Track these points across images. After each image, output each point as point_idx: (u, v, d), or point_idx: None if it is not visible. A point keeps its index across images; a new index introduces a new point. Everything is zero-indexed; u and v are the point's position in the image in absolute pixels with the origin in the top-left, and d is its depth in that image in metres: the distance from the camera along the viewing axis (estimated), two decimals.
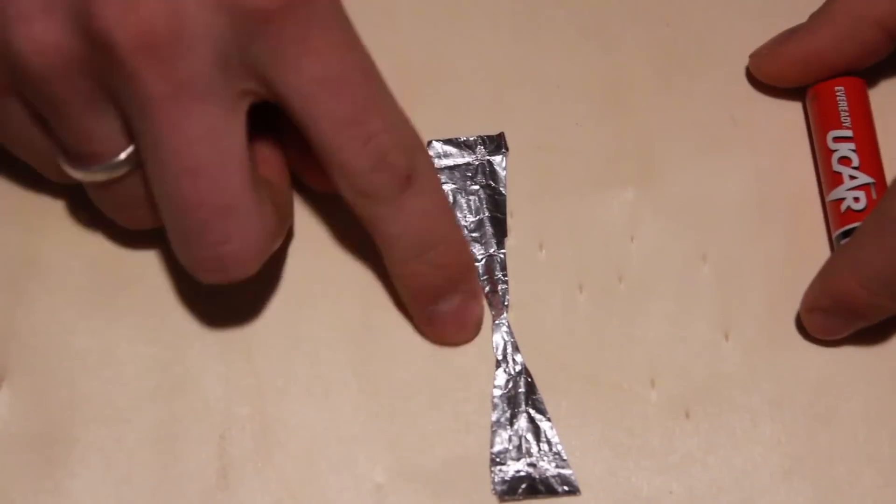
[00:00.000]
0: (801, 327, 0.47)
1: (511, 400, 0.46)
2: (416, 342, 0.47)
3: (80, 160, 0.43)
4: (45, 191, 0.49)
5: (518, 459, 0.45)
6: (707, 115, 0.51)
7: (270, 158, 0.46)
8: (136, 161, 0.43)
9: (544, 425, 0.45)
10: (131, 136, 0.42)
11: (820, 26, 0.49)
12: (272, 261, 0.47)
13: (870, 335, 0.47)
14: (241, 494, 0.44)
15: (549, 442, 0.45)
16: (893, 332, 0.47)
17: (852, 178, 0.48)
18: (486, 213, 0.49)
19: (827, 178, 0.49)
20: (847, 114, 0.49)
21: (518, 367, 0.46)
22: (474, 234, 0.48)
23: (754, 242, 0.48)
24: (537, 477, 0.45)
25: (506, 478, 0.45)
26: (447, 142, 0.50)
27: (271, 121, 0.45)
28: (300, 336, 0.47)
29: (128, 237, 0.48)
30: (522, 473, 0.45)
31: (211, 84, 0.41)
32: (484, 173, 0.50)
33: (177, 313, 0.47)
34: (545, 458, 0.45)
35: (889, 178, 0.48)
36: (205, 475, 0.44)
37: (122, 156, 0.43)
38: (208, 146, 0.41)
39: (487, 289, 0.48)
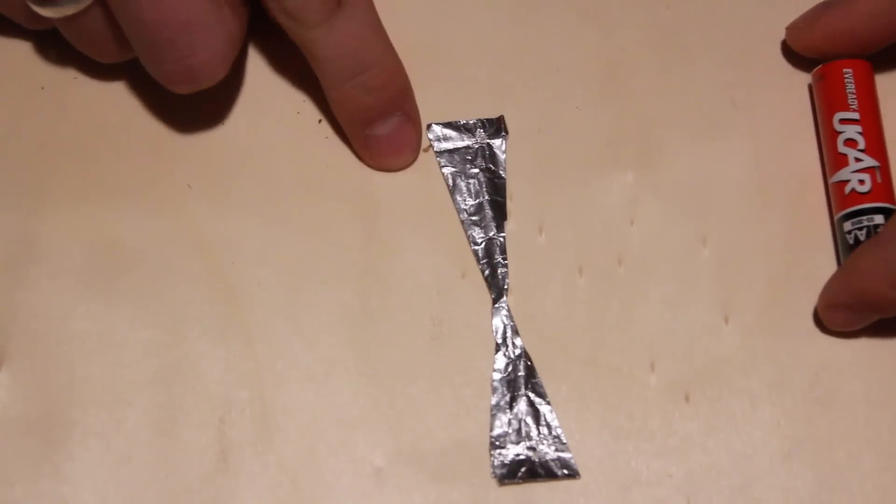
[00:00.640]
0: (801, 311, 0.47)
1: (511, 383, 0.46)
2: (416, 326, 0.47)
3: None
4: (45, 175, 0.49)
5: (518, 443, 0.45)
6: (707, 98, 0.51)
7: None
8: None
9: (544, 409, 0.45)
10: None
11: (856, 1, 0.49)
12: (272, 246, 0.47)
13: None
14: (240, 478, 0.44)
15: (548, 425, 0.45)
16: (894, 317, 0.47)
17: (858, 160, 0.48)
18: (486, 197, 0.49)
19: (831, 160, 0.48)
20: (854, 96, 0.49)
21: (518, 351, 0.46)
22: (474, 218, 0.48)
23: (754, 226, 0.48)
24: (537, 460, 0.45)
25: (505, 461, 0.45)
26: (447, 125, 0.50)
27: None
28: (300, 320, 0.47)
29: (127, 221, 0.48)
30: (522, 457, 0.45)
31: None
32: (484, 156, 0.50)
33: (176, 297, 0.47)
34: (545, 442, 0.45)
35: (893, 163, 0.48)
36: (204, 458, 0.45)
37: None
38: None
39: (487, 272, 0.48)
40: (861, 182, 0.47)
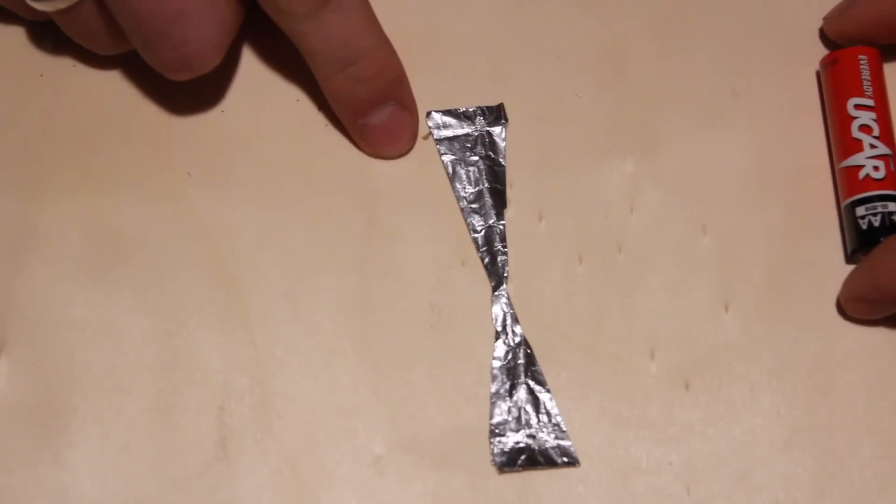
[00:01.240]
0: (801, 299, 0.47)
1: (510, 371, 0.46)
2: (415, 314, 0.47)
3: None
4: (44, 162, 0.49)
5: (517, 431, 0.45)
6: (707, 85, 0.51)
7: None
8: None
9: (543, 396, 0.45)
10: None
11: None
12: (272, 233, 0.47)
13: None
14: (240, 465, 0.44)
15: (548, 413, 0.45)
16: None
17: (873, 146, 0.48)
18: (486, 185, 0.49)
19: (843, 145, 0.48)
20: (869, 83, 0.49)
21: (517, 339, 0.46)
22: (474, 206, 0.48)
23: (754, 213, 0.48)
24: (536, 448, 0.45)
25: (505, 449, 0.45)
26: (446, 112, 0.50)
27: None
28: (299, 307, 0.47)
29: (127, 209, 0.48)
30: (522, 445, 0.45)
31: None
32: (483, 144, 0.49)
33: (176, 284, 0.47)
34: (544, 430, 0.45)
35: None
36: (204, 446, 0.45)
37: None
38: None
39: (487, 260, 0.47)
40: (876, 168, 0.47)
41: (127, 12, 0.45)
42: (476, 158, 0.49)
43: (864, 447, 0.45)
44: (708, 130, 0.50)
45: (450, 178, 0.49)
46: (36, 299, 0.47)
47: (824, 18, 0.51)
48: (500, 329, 0.46)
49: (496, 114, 0.50)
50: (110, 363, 0.46)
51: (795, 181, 0.49)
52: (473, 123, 0.50)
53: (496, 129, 0.50)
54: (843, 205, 0.48)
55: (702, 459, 0.45)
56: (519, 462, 0.44)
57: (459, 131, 0.50)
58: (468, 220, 0.48)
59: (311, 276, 0.47)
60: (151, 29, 0.46)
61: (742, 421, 0.45)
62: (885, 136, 0.48)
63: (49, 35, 0.51)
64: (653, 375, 0.46)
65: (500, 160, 0.49)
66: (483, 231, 0.48)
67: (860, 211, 0.47)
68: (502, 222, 0.48)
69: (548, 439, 0.45)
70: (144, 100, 0.50)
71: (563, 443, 0.45)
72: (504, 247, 0.48)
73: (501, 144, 0.50)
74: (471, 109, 0.50)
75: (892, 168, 0.47)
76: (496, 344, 0.46)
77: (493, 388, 0.46)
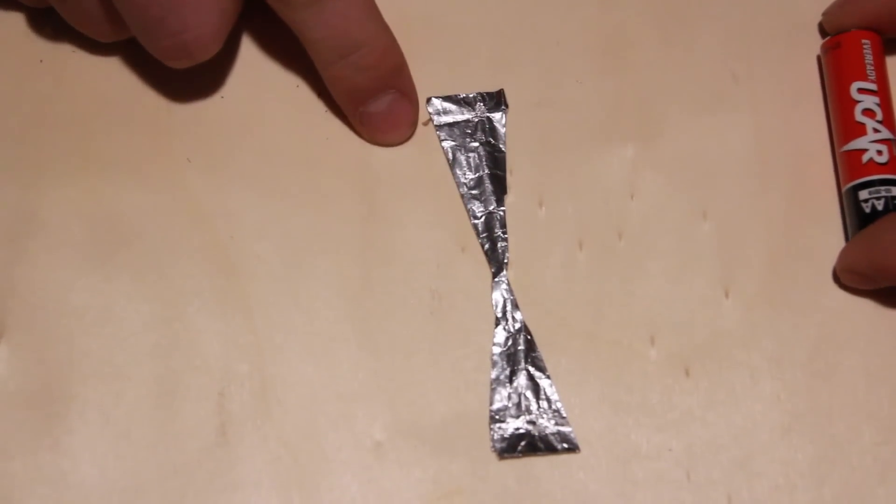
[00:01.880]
0: (802, 285, 0.47)
1: (510, 357, 0.46)
2: (415, 300, 0.47)
3: None
4: (44, 148, 0.49)
5: (517, 417, 0.45)
6: (708, 71, 0.51)
7: None
8: None
9: (543, 383, 0.45)
10: None
11: None
12: (272, 219, 0.47)
13: (869, 292, 0.47)
14: (240, 451, 0.44)
15: (548, 399, 0.45)
16: (893, 290, 0.46)
17: (876, 130, 0.48)
18: (486, 171, 0.49)
19: (846, 128, 0.48)
20: (873, 67, 0.49)
21: (517, 325, 0.46)
22: (474, 192, 0.48)
23: (755, 199, 0.48)
24: (536, 434, 0.45)
25: (505, 435, 0.45)
26: (446, 98, 0.50)
27: None
28: (299, 293, 0.47)
29: (126, 195, 0.48)
30: (522, 431, 0.45)
31: None
32: (483, 130, 0.49)
33: (175, 270, 0.47)
34: (544, 416, 0.45)
35: None
36: (204, 432, 0.44)
37: None
38: None
39: (487, 246, 0.47)
40: (879, 153, 0.47)
41: (126, 1, 0.45)
42: (476, 144, 0.49)
43: (864, 433, 0.45)
44: (708, 116, 0.50)
45: (450, 165, 0.49)
46: (35, 285, 0.46)
47: (823, 14, 0.51)
48: (500, 315, 0.46)
49: (496, 100, 0.50)
50: (110, 349, 0.46)
51: (796, 167, 0.49)
52: (473, 109, 0.50)
53: (496, 115, 0.50)
54: (844, 189, 0.48)
55: (702, 445, 0.45)
56: (519, 448, 0.44)
57: (459, 117, 0.50)
58: (468, 207, 0.48)
59: (311, 262, 0.47)
60: (150, 16, 0.46)
61: (742, 407, 0.45)
62: (887, 121, 0.48)
63: (49, 22, 0.50)
64: (653, 361, 0.46)
65: (501, 146, 0.49)
66: (483, 217, 0.48)
67: (863, 195, 0.47)
68: (502, 208, 0.48)
69: (548, 425, 0.45)
70: (144, 86, 0.50)
71: (563, 429, 0.45)
72: (504, 233, 0.48)
73: (502, 130, 0.50)
74: (471, 95, 0.50)
75: (895, 153, 0.47)
76: (496, 330, 0.46)
77: (494, 375, 0.46)
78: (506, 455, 0.44)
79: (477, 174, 0.49)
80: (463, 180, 0.49)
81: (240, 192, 0.48)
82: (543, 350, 0.46)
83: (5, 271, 0.47)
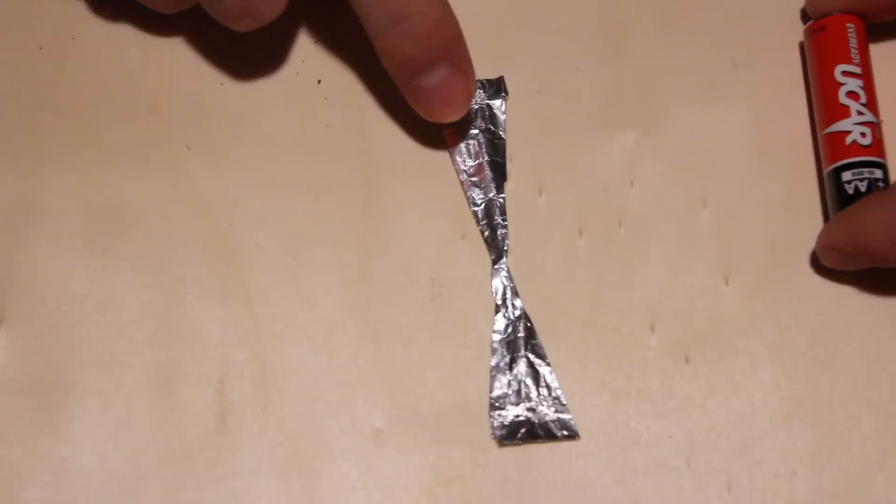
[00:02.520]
0: (801, 272, 0.47)
1: (510, 345, 0.46)
2: (415, 288, 0.47)
3: None
4: (44, 135, 0.49)
5: (517, 404, 0.45)
6: (708, 58, 0.51)
7: None
8: None
9: (543, 370, 0.45)
10: None
11: None
12: (271, 207, 0.47)
13: (870, 279, 0.47)
14: (239, 439, 0.44)
15: (548, 387, 0.45)
16: (893, 277, 0.46)
17: (860, 113, 0.48)
18: (486, 158, 0.49)
19: (829, 110, 0.48)
20: (857, 51, 0.49)
21: (517, 312, 0.46)
22: (473, 179, 0.48)
23: (755, 186, 0.48)
24: (536, 421, 0.45)
25: (505, 422, 0.45)
26: None
27: None
28: (299, 281, 0.47)
29: (126, 183, 0.48)
30: (522, 418, 0.45)
31: None
32: (483, 117, 0.49)
33: (175, 258, 0.47)
34: (544, 403, 0.45)
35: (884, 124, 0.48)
36: (203, 420, 0.45)
37: None
38: None
39: (487, 233, 0.47)
40: (863, 135, 0.47)
41: None
42: (476, 131, 0.49)
43: (864, 420, 0.45)
44: (708, 103, 0.50)
45: (449, 152, 0.49)
46: (35, 273, 0.46)
47: (807, 0, 0.51)
48: (500, 302, 0.46)
49: (496, 87, 0.50)
50: (110, 336, 0.46)
51: (796, 154, 0.49)
52: (474, 96, 0.50)
53: (496, 103, 0.50)
54: (826, 170, 0.48)
55: (702, 433, 0.45)
56: (519, 435, 0.44)
57: None
58: (468, 194, 0.48)
59: (311, 249, 0.47)
60: None
61: (742, 394, 0.45)
62: (870, 104, 0.48)
63: (48, 6, 0.50)
64: (653, 349, 0.46)
65: (501, 133, 0.49)
66: (483, 204, 0.48)
67: (846, 176, 0.47)
68: (502, 195, 0.48)
69: (548, 412, 0.45)
70: (144, 73, 0.50)
71: (563, 416, 0.45)
72: (504, 220, 0.48)
73: (501, 117, 0.49)
74: None
75: (878, 136, 0.47)
76: (496, 317, 0.46)
77: (493, 362, 0.45)
78: (506, 442, 0.44)
79: (476, 161, 0.49)
80: (463, 167, 0.48)
81: (239, 179, 0.48)
82: (543, 337, 0.46)
83: (5, 259, 0.47)
